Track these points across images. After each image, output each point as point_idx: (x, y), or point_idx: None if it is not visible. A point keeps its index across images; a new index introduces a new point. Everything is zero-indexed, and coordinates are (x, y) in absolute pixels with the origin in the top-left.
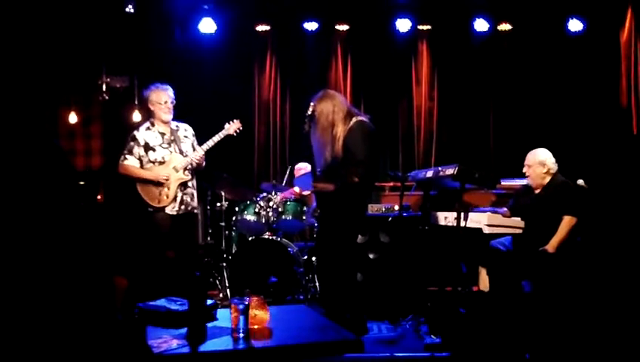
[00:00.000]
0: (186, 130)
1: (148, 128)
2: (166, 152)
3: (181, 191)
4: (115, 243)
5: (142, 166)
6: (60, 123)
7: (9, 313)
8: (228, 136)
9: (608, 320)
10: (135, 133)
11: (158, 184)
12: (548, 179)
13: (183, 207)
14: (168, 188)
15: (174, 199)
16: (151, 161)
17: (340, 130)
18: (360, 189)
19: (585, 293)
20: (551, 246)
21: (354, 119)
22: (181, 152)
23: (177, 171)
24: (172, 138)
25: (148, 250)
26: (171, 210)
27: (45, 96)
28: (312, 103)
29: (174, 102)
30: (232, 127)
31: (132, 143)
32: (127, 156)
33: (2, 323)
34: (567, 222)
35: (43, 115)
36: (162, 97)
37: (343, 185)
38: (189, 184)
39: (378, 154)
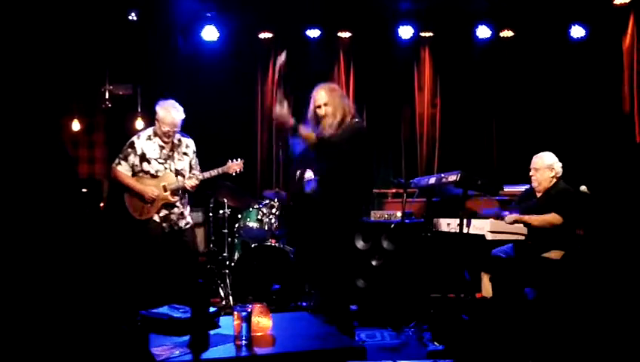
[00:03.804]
0: (187, 147)
1: (149, 138)
2: (161, 167)
3: (167, 209)
4: (116, 250)
5: (134, 174)
6: (63, 131)
7: (11, 321)
8: (226, 174)
9: (612, 328)
10: (135, 139)
11: (144, 198)
12: (554, 183)
13: (165, 224)
14: (152, 205)
15: (157, 214)
16: (144, 171)
17: (335, 123)
18: (352, 192)
19: (589, 301)
20: (530, 218)
21: (348, 118)
22: (176, 171)
23: (166, 191)
24: (170, 153)
25: (143, 257)
26: (157, 218)
27: (49, 103)
28: (321, 90)
29: (182, 124)
30: (233, 167)
31: (129, 150)
32: (121, 162)
33: (4, 332)
34: (552, 216)
35: (51, 122)
36: (172, 120)
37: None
38: (177, 204)
39: (370, 157)
